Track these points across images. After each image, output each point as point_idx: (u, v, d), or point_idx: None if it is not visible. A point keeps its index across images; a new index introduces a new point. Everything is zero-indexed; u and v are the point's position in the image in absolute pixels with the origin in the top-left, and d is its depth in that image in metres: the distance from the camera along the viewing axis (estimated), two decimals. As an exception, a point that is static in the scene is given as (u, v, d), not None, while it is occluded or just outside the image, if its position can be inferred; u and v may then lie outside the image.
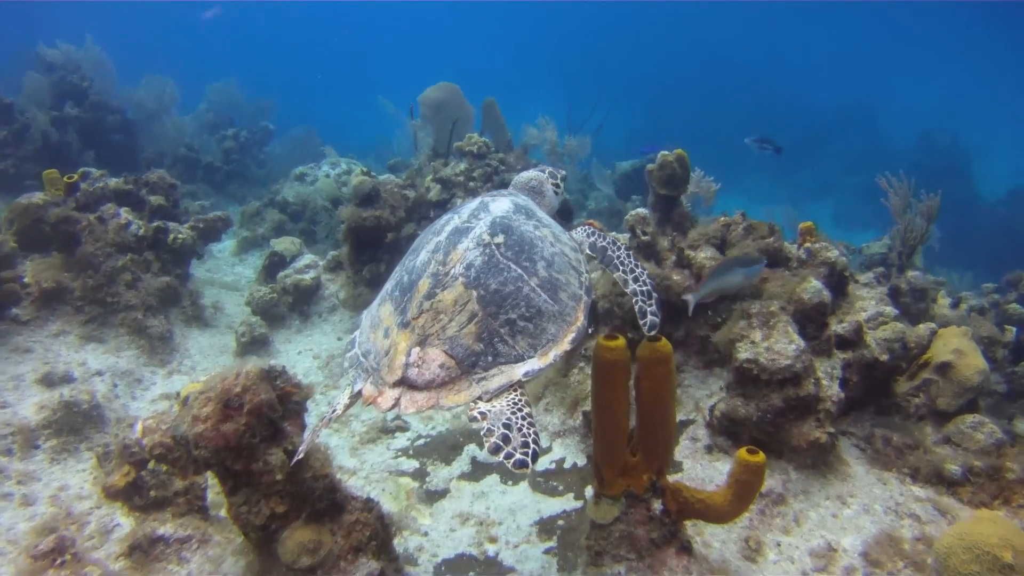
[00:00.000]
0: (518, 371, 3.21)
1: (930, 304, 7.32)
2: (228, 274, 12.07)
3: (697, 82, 43.92)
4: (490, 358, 3.21)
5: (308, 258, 9.53)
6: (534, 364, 3.25)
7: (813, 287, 5.62)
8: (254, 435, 3.86)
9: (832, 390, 5.46)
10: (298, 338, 8.96)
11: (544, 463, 6.11)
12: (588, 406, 5.97)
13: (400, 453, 6.53)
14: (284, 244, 10.06)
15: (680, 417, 6.04)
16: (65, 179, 8.75)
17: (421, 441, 6.72)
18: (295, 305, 9.19)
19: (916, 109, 40.12)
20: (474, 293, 3.28)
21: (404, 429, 6.96)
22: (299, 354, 8.56)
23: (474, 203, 3.86)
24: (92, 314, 7.96)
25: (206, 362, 8.27)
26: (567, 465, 6.06)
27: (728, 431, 5.66)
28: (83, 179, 9.50)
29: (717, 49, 50.07)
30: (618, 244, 4.11)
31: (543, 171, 4.71)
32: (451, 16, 65.40)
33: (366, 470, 6.28)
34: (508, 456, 2.95)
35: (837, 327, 5.82)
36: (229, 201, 17.94)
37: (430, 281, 3.38)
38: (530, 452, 2.96)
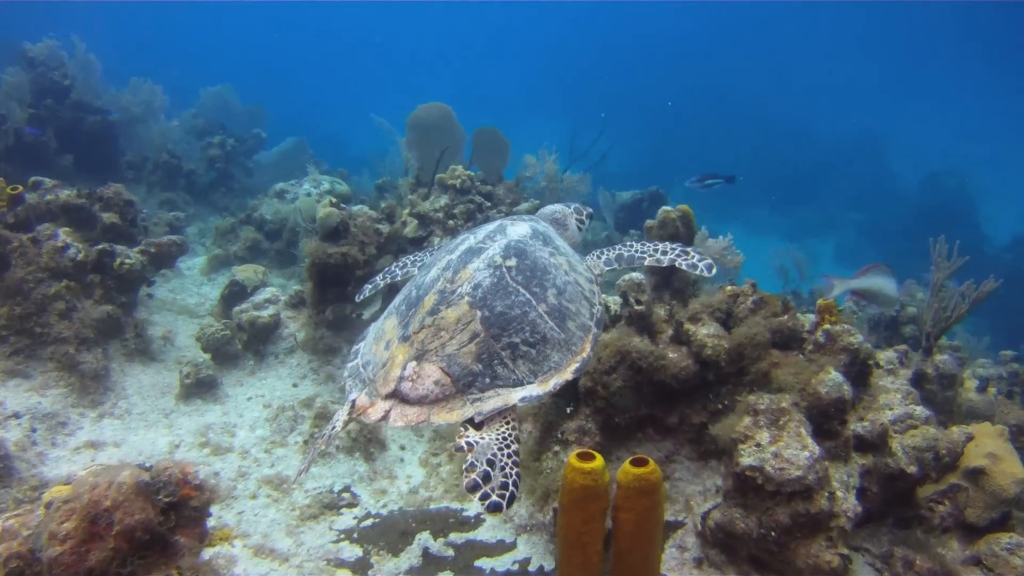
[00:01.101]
0: (515, 396, 3.25)
1: (958, 390, 6.46)
2: (193, 295, 11.18)
3: (702, 110, 43.21)
4: (487, 379, 3.25)
5: (269, 291, 8.66)
6: (533, 390, 3.29)
7: (832, 380, 4.78)
8: (124, 564, 3.01)
9: (848, 503, 4.63)
10: (251, 381, 8.07)
11: (506, 563, 5.23)
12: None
13: (343, 536, 5.64)
14: (246, 273, 9.19)
15: (667, 517, 5.18)
16: (9, 189, 7.89)
17: (368, 522, 5.83)
18: (250, 344, 8.32)
19: (924, 148, 39.61)
20: (478, 313, 3.34)
21: (352, 505, 6.08)
22: (249, 400, 7.68)
23: (492, 225, 3.96)
24: (17, 346, 7.09)
25: (144, 404, 7.39)
26: (532, 567, 5.18)
27: (723, 544, 4.79)
28: (34, 188, 8.69)
29: (723, 77, 49.34)
30: (627, 243, 4.38)
31: (569, 206, 4.81)
32: (459, 34, 64.72)
33: (301, 555, 5.38)
34: (484, 497, 2.98)
35: (857, 426, 4.97)
36: (210, 211, 17.09)
37: (436, 297, 3.46)
38: (507, 495, 3.00)
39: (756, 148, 37.69)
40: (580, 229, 4.79)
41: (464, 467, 3.10)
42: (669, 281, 5.82)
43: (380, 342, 3.57)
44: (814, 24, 55.34)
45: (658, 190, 17.40)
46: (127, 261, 7.95)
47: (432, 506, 6.05)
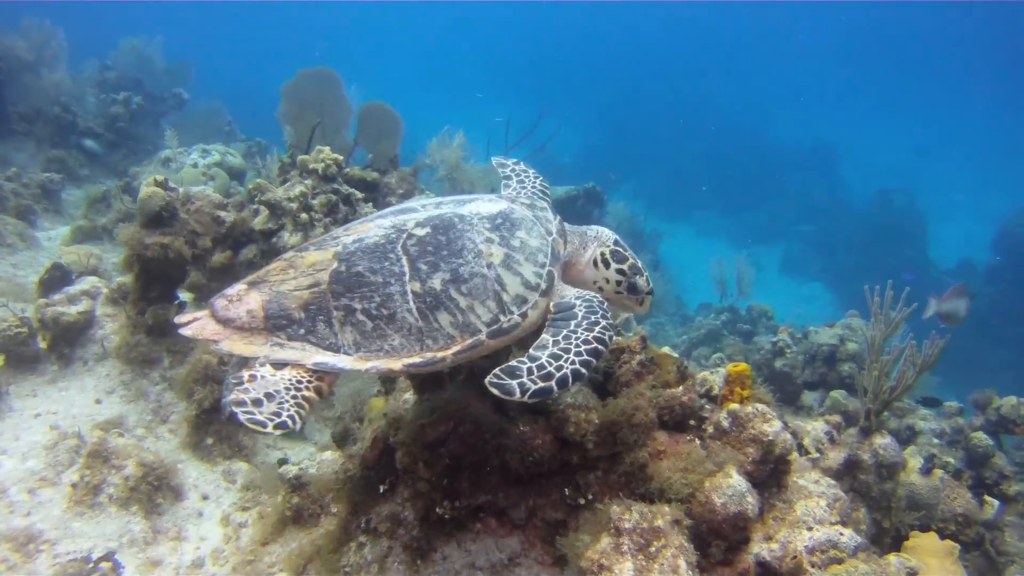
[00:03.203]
0: (314, 357, 3.07)
1: (897, 479, 5.15)
2: (39, 271, 9.50)
3: (660, 105, 42.25)
4: (302, 330, 3.11)
5: (88, 281, 7.09)
6: (340, 361, 3.07)
7: (733, 488, 3.48)
8: None
9: (737, 662, 3.29)
10: (48, 391, 6.51)
11: None
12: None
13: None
14: (74, 255, 7.62)
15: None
16: None
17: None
18: (56, 345, 6.76)
19: (876, 162, 39.18)
20: (334, 265, 3.19)
21: (106, 584, 4.62)
22: (36, 417, 6.14)
23: (476, 196, 3.69)
24: None
25: None
26: None
27: None
28: None
29: (682, 74, 48.34)
30: (600, 304, 3.46)
31: (630, 261, 3.88)
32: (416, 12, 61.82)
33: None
34: (248, 413, 2.78)
35: (763, 548, 3.63)
36: (107, 174, 15.40)
37: (320, 240, 3.43)
38: (277, 421, 2.78)
39: (711, 148, 37.11)
40: (608, 284, 3.83)
41: (236, 389, 2.91)
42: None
43: None
44: (775, 27, 54.41)
45: (595, 187, 16.11)
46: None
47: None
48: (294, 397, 2.94)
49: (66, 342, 6.79)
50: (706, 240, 30.57)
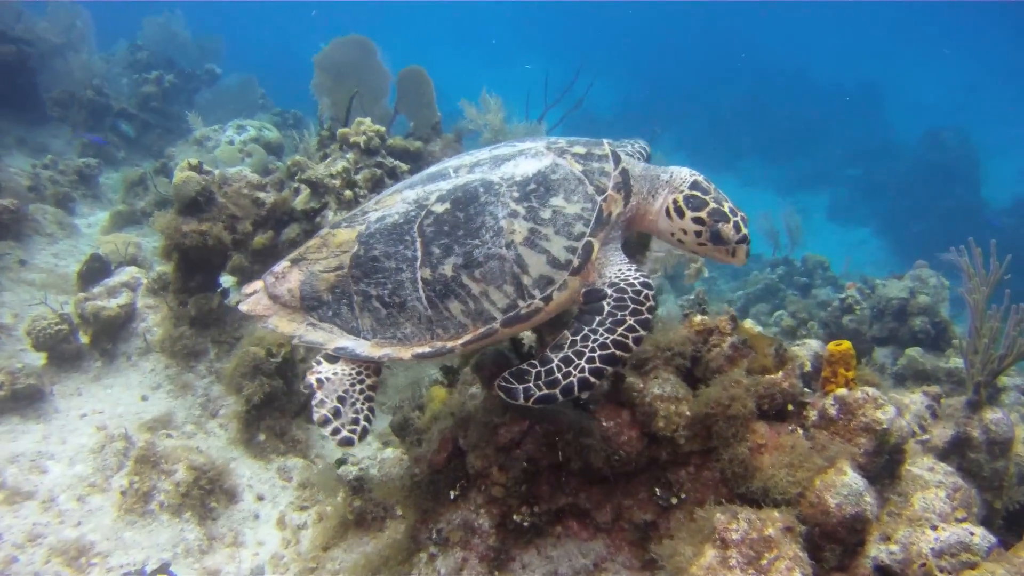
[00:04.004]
0: (337, 342, 3.13)
1: (1010, 456, 4.68)
2: (80, 261, 9.30)
3: (698, 52, 41.11)
4: (330, 312, 3.15)
5: (128, 272, 6.80)
6: (359, 347, 3.10)
7: (847, 486, 3.09)
8: None
9: None
10: (92, 390, 6.28)
11: None
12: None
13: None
14: (112, 244, 7.36)
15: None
16: None
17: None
18: (97, 340, 6.51)
19: (924, 102, 37.96)
20: (355, 248, 3.14)
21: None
22: (82, 418, 5.91)
23: (522, 148, 3.24)
24: None
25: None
26: None
27: None
28: None
29: (721, 18, 46.88)
30: (633, 298, 3.02)
31: (710, 206, 3.23)
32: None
33: None
34: (335, 432, 3.01)
35: (880, 550, 3.23)
36: (144, 156, 15.21)
37: (352, 215, 3.33)
38: (358, 430, 3.04)
39: (752, 95, 36.17)
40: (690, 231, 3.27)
41: (313, 403, 3.05)
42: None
43: None
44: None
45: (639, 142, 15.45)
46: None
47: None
48: (363, 392, 3.14)
49: (108, 337, 6.54)
50: (752, 190, 29.82)
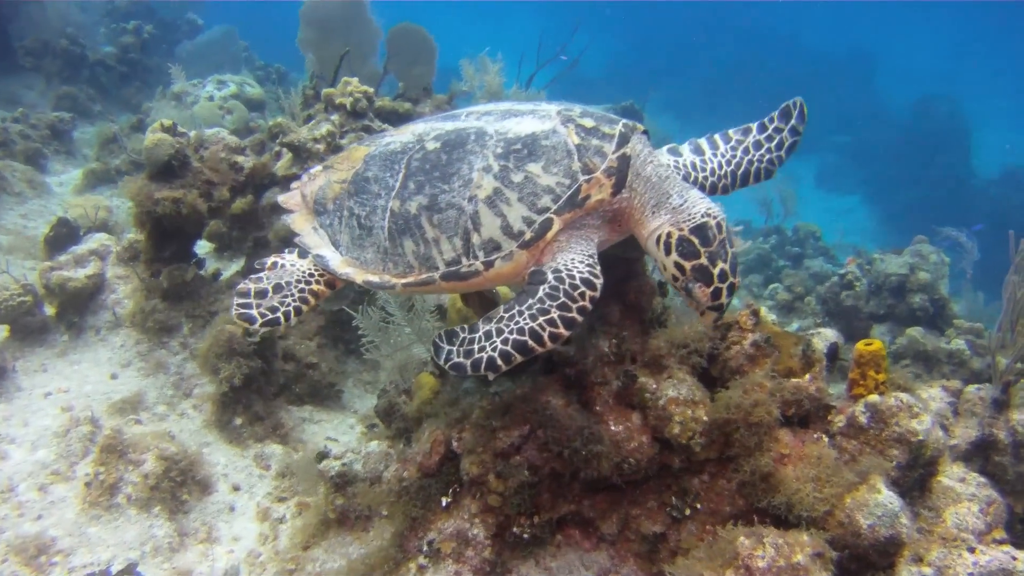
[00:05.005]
0: (321, 249, 3.25)
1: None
2: (48, 223, 8.87)
3: (686, 10, 40.39)
4: (327, 221, 3.27)
5: (96, 239, 6.40)
6: (331, 259, 3.19)
7: (881, 506, 2.83)
8: None
9: None
10: (59, 365, 5.91)
11: None
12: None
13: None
14: (81, 208, 6.93)
15: None
16: None
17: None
18: (64, 313, 6.12)
19: (916, 69, 37.51)
20: (360, 167, 3.22)
21: None
22: (47, 397, 5.54)
23: (534, 109, 3.13)
24: None
25: None
26: None
27: None
28: None
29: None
30: (567, 292, 2.73)
31: (699, 262, 2.77)
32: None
33: None
34: (244, 307, 3.09)
35: (912, 575, 2.95)
36: (122, 109, 14.67)
37: (375, 136, 3.68)
38: (268, 316, 3.08)
39: (740, 57, 35.69)
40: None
41: (251, 276, 3.24)
42: (621, 291, 3.63)
43: None
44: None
45: (632, 104, 15.13)
46: None
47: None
48: (301, 291, 3.20)
49: (75, 310, 6.15)
50: (739, 154, 29.45)
